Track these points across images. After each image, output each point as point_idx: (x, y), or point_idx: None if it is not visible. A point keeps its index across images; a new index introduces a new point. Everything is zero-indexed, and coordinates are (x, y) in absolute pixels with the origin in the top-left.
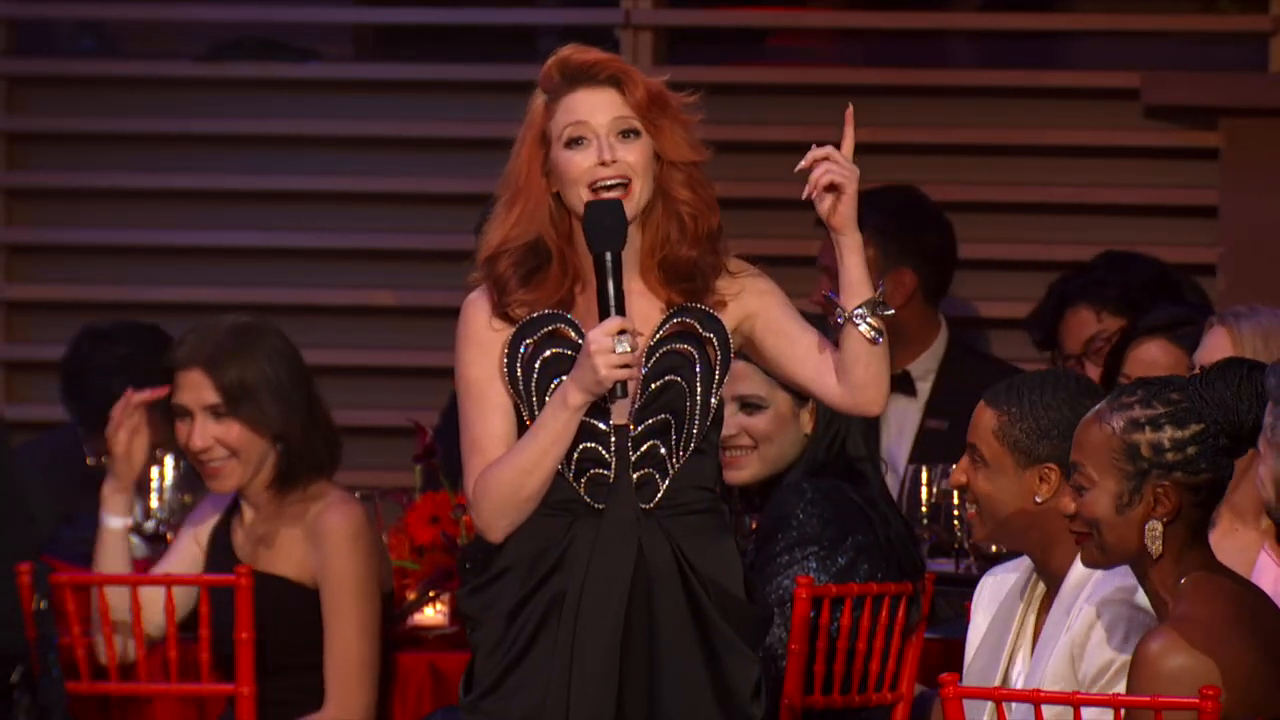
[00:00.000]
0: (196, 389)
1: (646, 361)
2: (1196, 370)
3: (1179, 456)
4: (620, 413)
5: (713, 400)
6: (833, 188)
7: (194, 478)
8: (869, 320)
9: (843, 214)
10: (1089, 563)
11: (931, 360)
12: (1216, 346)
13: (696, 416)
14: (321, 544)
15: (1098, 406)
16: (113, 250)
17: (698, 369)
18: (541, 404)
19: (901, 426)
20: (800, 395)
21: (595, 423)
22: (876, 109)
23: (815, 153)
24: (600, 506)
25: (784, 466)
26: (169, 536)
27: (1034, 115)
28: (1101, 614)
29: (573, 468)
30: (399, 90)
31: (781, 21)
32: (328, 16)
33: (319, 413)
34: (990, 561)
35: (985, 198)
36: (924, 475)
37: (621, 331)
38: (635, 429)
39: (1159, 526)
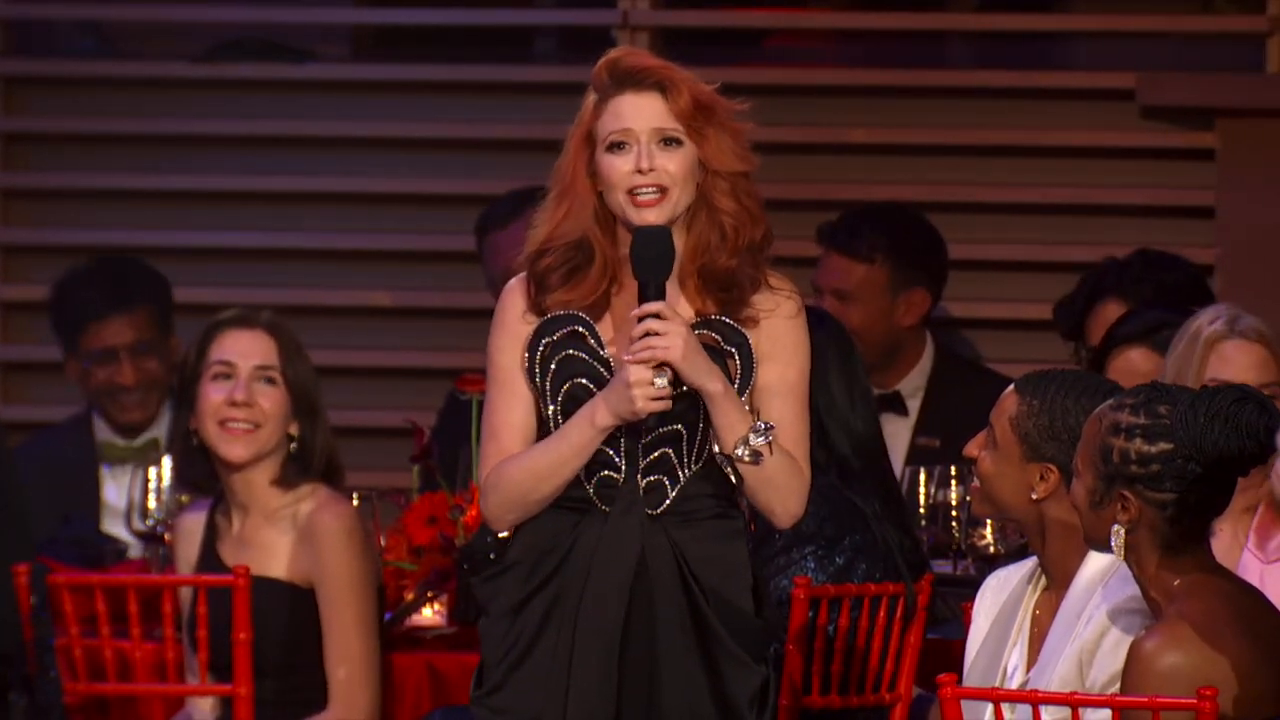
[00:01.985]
0: (253, 346)
1: None
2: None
3: (1142, 471)
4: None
5: None
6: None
7: None
8: (746, 451)
9: (687, 378)
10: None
11: (920, 377)
12: None
13: (710, 429)
14: (316, 543)
15: (1108, 400)
16: (112, 251)
17: None
18: (554, 400)
19: (893, 445)
20: None
21: None
22: (873, 110)
23: (642, 325)
24: (607, 509)
25: None
26: (166, 537)
27: (1030, 116)
28: (1113, 622)
29: (585, 467)
30: (397, 91)
31: (779, 22)
32: (326, 17)
33: (326, 420)
34: (988, 562)
35: (981, 198)
36: (921, 477)
37: (660, 365)
38: (646, 437)
39: (1121, 532)
